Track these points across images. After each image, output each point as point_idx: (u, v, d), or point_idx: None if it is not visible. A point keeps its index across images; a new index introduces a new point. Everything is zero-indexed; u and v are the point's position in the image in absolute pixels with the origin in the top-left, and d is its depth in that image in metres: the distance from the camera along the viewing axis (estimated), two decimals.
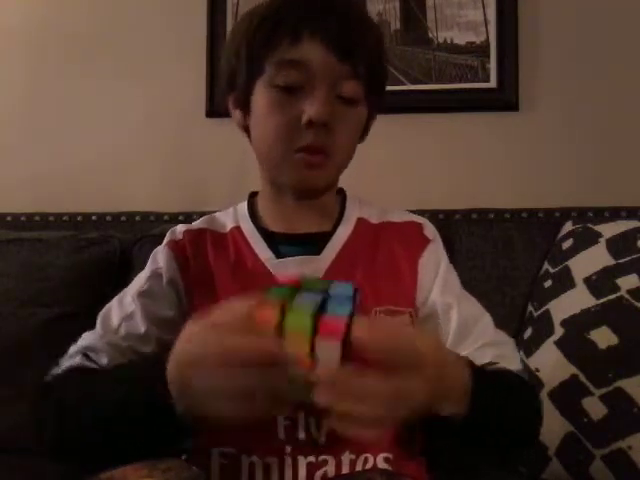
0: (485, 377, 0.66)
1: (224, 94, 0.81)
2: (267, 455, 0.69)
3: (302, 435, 0.69)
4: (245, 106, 0.77)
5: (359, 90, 0.73)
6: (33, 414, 0.72)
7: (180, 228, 0.82)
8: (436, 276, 0.79)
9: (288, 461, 0.69)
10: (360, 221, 0.81)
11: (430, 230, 0.83)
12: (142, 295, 0.78)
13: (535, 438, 0.79)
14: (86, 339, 0.77)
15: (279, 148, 0.73)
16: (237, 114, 0.80)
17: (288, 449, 0.69)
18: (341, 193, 0.86)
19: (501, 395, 0.69)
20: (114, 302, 0.79)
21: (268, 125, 0.74)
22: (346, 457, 0.69)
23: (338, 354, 0.49)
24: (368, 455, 0.70)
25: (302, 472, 0.69)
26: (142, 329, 0.75)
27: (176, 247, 0.79)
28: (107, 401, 0.65)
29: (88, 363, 0.74)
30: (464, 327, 0.75)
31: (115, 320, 0.76)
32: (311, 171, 0.74)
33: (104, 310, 0.79)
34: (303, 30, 0.71)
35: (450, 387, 0.59)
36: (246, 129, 0.80)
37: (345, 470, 0.70)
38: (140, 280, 0.80)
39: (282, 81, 0.72)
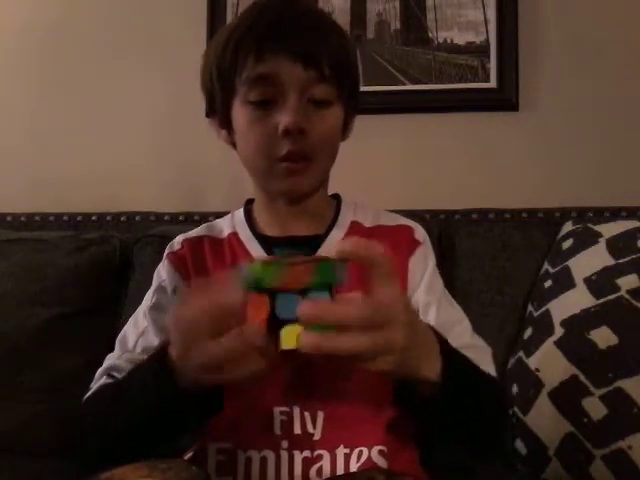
0: (455, 352, 0.67)
1: (208, 117, 0.85)
2: (263, 450, 0.71)
3: (298, 430, 0.71)
4: (228, 125, 0.81)
5: (329, 92, 0.76)
6: (76, 435, 0.75)
7: (178, 238, 0.85)
8: (422, 276, 0.81)
9: (284, 456, 0.71)
10: (354, 224, 0.83)
11: (421, 234, 0.84)
12: (151, 310, 0.80)
13: (498, 442, 0.79)
14: (108, 360, 0.80)
15: (263, 160, 0.77)
16: (223, 134, 0.83)
17: (284, 444, 0.71)
18: (337, 198, 0.87)
19: (470, 374, 0.70)
20: (129, 324, 0.82)
21: (249, 140, 0.77)
22: (340, 451, 0.71)
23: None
24: (363, 448, 0.72)
25: (298, 467, 0.70)
26: (156, 342, 0.77)
27: (175, 258, 0.83)
28: (128, 403, 0.67)
29: (113, 381, 0.76)
30: (442, 327, 0.75)
31: (131, 339, 0.79)
32: (295, 178, 0.76)
33: (121, 333, 0.82)
34: (266, 45, 0.73)
35: (425, 345, 0.60)
36: (234, 145, 0.83)
37: (340, 464, 0.71)
38: (148, 297, 0.83)
39: (254, 97, 0.75)
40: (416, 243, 0.83)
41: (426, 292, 0.79)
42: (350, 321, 0.52)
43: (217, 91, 0.79)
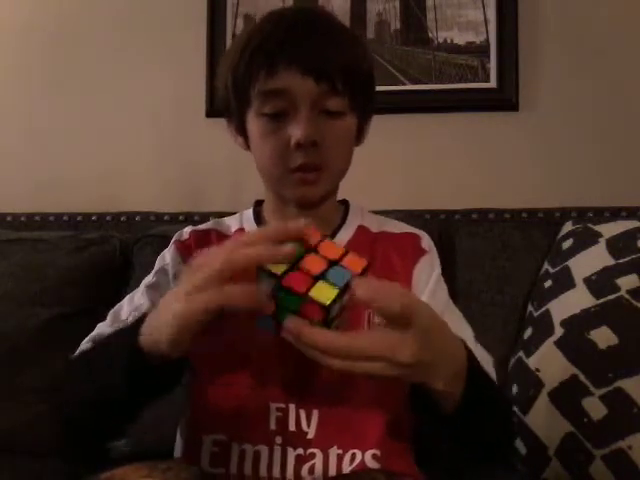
0: (480, 369, 0.67)
1: (226, 121, 0.85)
2: (258, 444, 0.72)
3: (292, 427, 0.72)
4: (244, 133, 0.82)
5: (342, 103, 0.76)
6: (55, 394, 0.78)
7: (187, 229, 0.86)
8: (426, 285, 0.81)
9: (277, 451, 0.71)
10: (360, 228, 0.84)
11: (427, 242, 0.85)
12: (150, 288, 0.81)
13: (508, 452, 0.79)
14: (97, 329, 0.81)
15: (276, 171, 0.78)
16: (240, 140, 0.84)
17: (279, 440, 0.72)
18: (345, 203, 0.88)
19: (491, 392, 0.70)
20: (125, 299, 0.83)
21: (264, 151, 0.78)
22: (333, 452, 0.72)
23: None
24: (356, 451, 0.72)
25: (290, 464, 0.71)
26: None
27: (182, 246, 0.84)
28: (97, 371, 0.68)
29: (89, 348, 0.77)
30: None
31: (125, 312, 0.80)
32: (308, 187, 0.77)
33: (115, 307, 0.82)
34: (278, 60, 0.74)
35: (446, 360, 0.59)
36: (252, 151, 0.83)
37: (332, 465, 0.71)
38: (148, 277, 0.84)
39: (268, 110, 0.76)
40: (422, 252, 0.83)
41: (428, 302, 0.77)
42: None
43: (232, 100, 0.80)
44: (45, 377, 1.27)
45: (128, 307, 0.80)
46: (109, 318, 0.81)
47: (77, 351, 0.78)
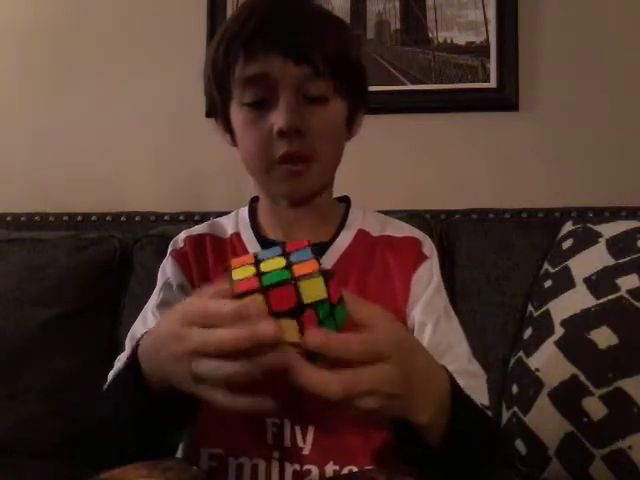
0: (464, 400, 0.63)
1: (214, 121, 0.83)
2: (255, 458, 0.70)
3: (288, 443, 0.70)
4: (229, 128, 0.79)
5: (325, 87, 0.73)
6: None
7: (182, 235, 0.84)
8: (423, 293, 0.78)
9: (275, 466, 0.69)
10: (360, 233, 0.81)
11: (428, 247, 0.82)
12: (159, 306, 0.79)
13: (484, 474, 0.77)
14: (118, 362, 0.77)
15: (262, 162, 0.75)
16: (228, 138, 0.82)
17: (276, 454, 0.70)
18: (346, 201, 0.86)
19: (477, 420, 0.67)
20: (137, 322, 0.81)
21: (247, 142, 0.76)
22: (330, 467, 0.70)
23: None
24: (353, 467, 0.70)
25: (288, 478, 0.69)
26: None
27: (179, 255, 0.81)
28: (110, 414, 0.66)
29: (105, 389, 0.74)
30: (435, 349, 0.73)
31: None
32: (296, 180, 0.74)
33: (129, 333, 0.80)
34: (255, 44, 0.71)
35: (430, 393, 0.57)
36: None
37: None
38: (154, 294, 0.82)
39: (248, 98, 0.73)
40: (423, 257, 0.80)
41: (423, 311, 0.77)
42: (349, 356, 0.49)
43: (215, 94, 0.78)
44: (45, 377, 1.27)
45: (142, 330, 0.76)
46: (127, 347, 0.77)
47: (105, 386, 0.74)
